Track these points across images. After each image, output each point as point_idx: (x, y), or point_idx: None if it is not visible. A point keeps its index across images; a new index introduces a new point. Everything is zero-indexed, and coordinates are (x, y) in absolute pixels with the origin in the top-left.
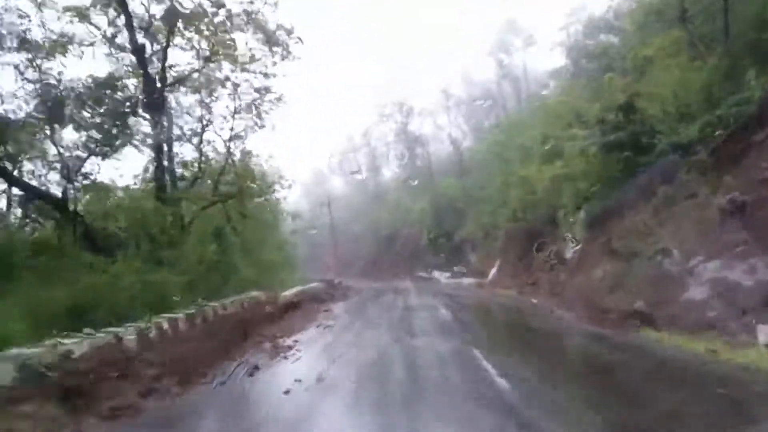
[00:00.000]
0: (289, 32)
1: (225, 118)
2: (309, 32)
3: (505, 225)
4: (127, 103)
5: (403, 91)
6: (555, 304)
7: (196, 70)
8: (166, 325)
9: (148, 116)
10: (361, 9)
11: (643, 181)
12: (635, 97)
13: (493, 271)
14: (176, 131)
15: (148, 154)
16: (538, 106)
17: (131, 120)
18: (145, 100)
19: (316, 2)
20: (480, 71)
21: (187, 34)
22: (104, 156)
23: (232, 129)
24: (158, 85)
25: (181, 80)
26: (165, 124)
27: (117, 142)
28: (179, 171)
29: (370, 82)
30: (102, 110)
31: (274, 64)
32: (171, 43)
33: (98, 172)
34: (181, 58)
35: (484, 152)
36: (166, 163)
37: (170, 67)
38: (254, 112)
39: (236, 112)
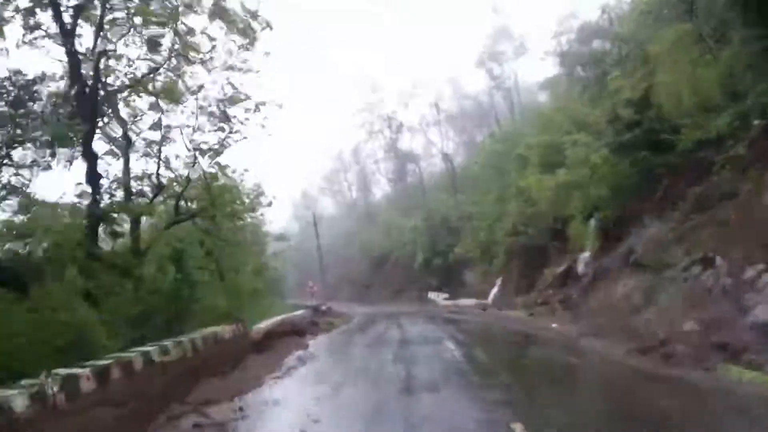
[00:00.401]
0: (254, 15)
1: (194, 128)
2: (293, 47)
3: (505, 240)
4: (52, 101)
5: (391, 105)
6: (579, 329)
7: (154, 69)
8: (55, 388)
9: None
10: (347, 17)
11: (667, 183)
12: (650, 90)
13: (494, 290)
14: (136, 140)
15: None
16: (534, 115)
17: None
18: (74, 96)
19: (297, 16)
20: (471, 83)
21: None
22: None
23: (191, 139)
24: (91, 75)
25: (134, 81)
26: (109, 128)
27: (48, 150)
28: (138, 185)
29: (358, 95)
30: (21, 111)
31: (242, 49)
32: (105, 24)
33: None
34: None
35: (480, 165)
36: (113, 176)
37: (107, 56)
38: (222, 117)
39: (211, 117)
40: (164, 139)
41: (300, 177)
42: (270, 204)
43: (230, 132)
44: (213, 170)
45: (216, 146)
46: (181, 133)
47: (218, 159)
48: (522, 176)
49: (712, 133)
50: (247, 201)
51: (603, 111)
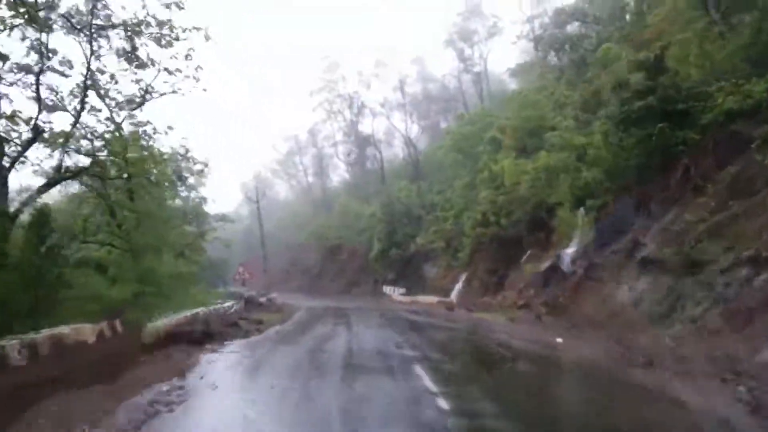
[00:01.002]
0: None
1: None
2: (250, 24)
3: (473, 232)
4: None
5: (353, 86)
6: (602, 350)
7: None
8: None
9: None
10: None
11: (687, 163)
12: (665, 52)
13: (458, 286)
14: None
15: None
16: (506, 100)
17: None
18: None
19: None
20: (437, 66)
21: None
22: None
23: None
24: None
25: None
26: None
27: None
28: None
29: (317, 76)
30: None
31: None
32: None
33: None
34: None
35: (446, 149)
36: None
37: None
38: (132, 53)
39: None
40: (43, 68)
41: (254, 160)
42: (202, 172)
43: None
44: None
45: (137, 98)
46: (71, 67)
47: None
48: (495, 160)
49: (746, 102)
50: (167, 163)
51: (587, 91)
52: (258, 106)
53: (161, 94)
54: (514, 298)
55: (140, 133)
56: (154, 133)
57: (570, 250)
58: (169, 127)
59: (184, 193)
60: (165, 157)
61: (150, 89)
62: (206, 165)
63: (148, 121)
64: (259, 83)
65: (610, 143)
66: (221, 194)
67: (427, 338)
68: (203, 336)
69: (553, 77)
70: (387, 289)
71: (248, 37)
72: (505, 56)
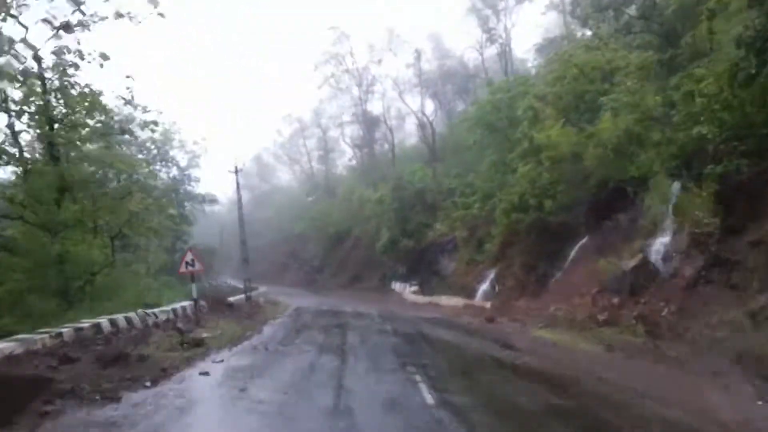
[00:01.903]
0: None
1: None
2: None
3: (506, 219)
4: None
5: (363, 62)
6: None
7: None
8: None
9: None
10: None
11: None
12: None
13: (483, 286)
14: None
15: None
16: (552, 58)
17: None
18: None
19: None
20: (456, 41)
21: None
22: None
23: None
24: None
25: None
26: None
27: None
28: None
29: (324, 49)
30: None
31: None
32: None
33: None
34: None
35: (472, 123)
36: None
37: None
38: None
39: None
40: None
41: (255, 144)
42: (155, 123)
43: None
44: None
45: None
46: None
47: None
48: (540, 129)
49: None
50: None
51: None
52: (261, 86)
53: (101, 18)
54: (585, 308)
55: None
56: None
57: (663, 240)
58: (104, 56)
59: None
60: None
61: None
62: (160, 113)
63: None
64: (262, 62)
65: (740, 84)
66: (220, 180)
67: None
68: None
69: (599, 42)
70: (397, 286)
71: (251, 13)
72: (528, 36)
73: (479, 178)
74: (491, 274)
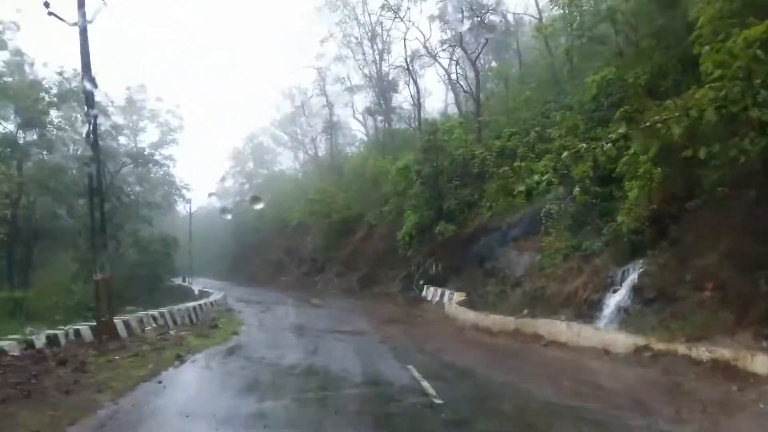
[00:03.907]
0: None
1: None
2: None
3: (656, 172)
4: None
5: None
6: None
7: None
8: None
9: None
10: None
11: None
12: None
13: (614, 299)
14: None
15: None
16: None
17: None
18: None
19: None
20: None
21: None
22: None
23: None
24: None
25: None
26: None
27: None
28: None
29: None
30: None
31: None
32: None
33: None
34: None
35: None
36: None
37: None
38: None
39: None
40: None
41: (252, 124)
42: None
43: None
44: None
45: None
46: None
47: None
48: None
49: None
50: None
51: None
52: (258, 59)
53: None
54: None
55: None
56: None
57: None
58: None
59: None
60: None
61: None
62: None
63: None
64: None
65: None
66: (212, 166)
67: None
68: None
69: None
70: (430, 292)
71: None
72: None
73: (563, 123)
74: (633, 274)
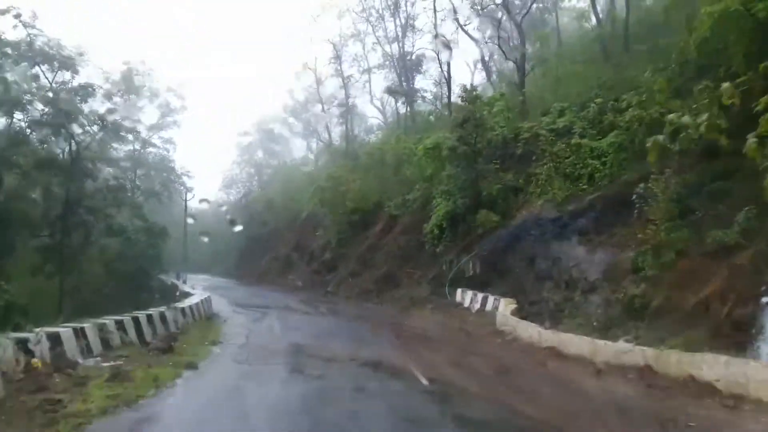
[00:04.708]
0: None
1: None
2: None
3: None
4: None
5: None
6: None
7: None
8: None
9: None
10: None
11: None
12: None
13: None
14: None
15: None
16: None
17: None
18: None
19: None
20: None
21: None
22: None
23: None
24: None
25: None
26: None
27: None
28: None
29: None
30: None
31: None
32: None
33: None
34: None
35: None
36: None
37: None
38: None
39: None
40: None
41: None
42: None
43: None
44: None
45: None
46: None
47: None
48: None
49: None
50: None
51: None
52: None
53: None
54: None
55: None
56: None
57: None
58: None
59: None
60: None
61: None
62: None
63: None
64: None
65: None
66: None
67: None
68: None
69: None
70: (467, 298)
71: None
72: None
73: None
74: None
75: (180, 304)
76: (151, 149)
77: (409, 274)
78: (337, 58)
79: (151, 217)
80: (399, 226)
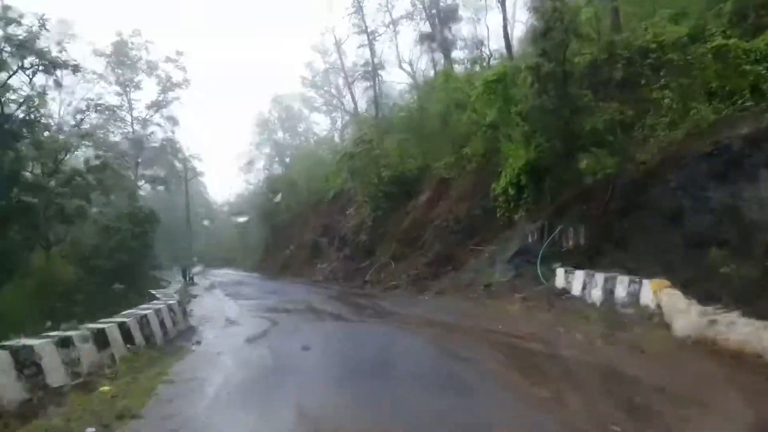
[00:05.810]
0: None
1: None
2: None
3: None
4: None
5: None
6: None
7: None
8: None
9: None
10: None
11: None
12: None
13: None
14: None
15: None
16: None
17: None
18: None
19: None
20: None
21: None
22: None
23: None
24: None
25: None
26: None
27: None
28: None
29: None
30: None
31: None
32: None
33: None
34: None
35: None
36: None
37: None
38: None
39: None
40: None
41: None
42: None
43: None
44: None
45: None
46: None
47: None
48: None
49: None
50: None
51: None
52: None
53: None
54: None
55: None
56: None
57: None
58: None
59: None
60: None
61: None
62: None
63: None
64: None
65: None
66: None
67: None
68: None
69: None
70: (574, 281)
71: None
72: None
73: None
74: None
75: (146, 310)
76: (152, 128)
77: (474, 252)
78: (360, 9)
79: (164, 208)
80: (453, 191)
